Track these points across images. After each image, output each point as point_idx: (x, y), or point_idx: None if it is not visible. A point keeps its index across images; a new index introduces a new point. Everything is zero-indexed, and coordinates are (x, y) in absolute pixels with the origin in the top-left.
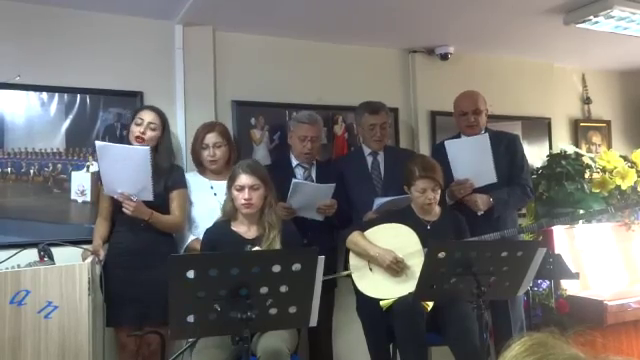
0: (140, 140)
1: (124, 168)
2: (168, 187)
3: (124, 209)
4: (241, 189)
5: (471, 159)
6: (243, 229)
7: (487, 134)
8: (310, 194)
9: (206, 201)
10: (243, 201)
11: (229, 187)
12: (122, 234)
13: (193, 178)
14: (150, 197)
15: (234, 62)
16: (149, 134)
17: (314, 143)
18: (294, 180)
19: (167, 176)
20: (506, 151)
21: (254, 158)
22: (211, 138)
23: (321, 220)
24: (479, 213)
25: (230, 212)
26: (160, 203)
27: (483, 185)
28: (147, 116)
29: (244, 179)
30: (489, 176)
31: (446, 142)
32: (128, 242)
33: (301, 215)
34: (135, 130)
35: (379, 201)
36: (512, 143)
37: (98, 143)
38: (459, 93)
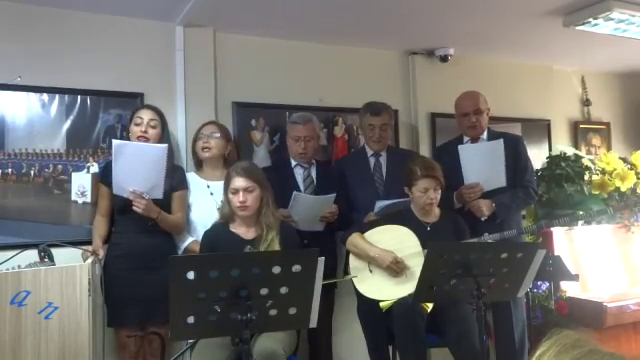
0: (143, 139)
1: (139, 166)
2: (173, 187)
3: (135, 207)
4: (236, 192)
5: (484, 164)
6: (242, 230)
7: (501, 140)
8: (311, 206)
9: (203, 201)
10: (238, 204)
11: (225, 190)
12: (123, 235)
13: (190, 178)
14: (160, 195)
15: (235, 63)
16: (151, 132)
17: (308, 142)
18: (295, 192)
19: (171, 176)
20: (509, 153)
21: (252, 160)
22: (208, 129)
23: (321, 230)
24: (482, 219)
25: (227, 214)
26: (164, 202)
27: (491, 189)
28: (146, 114)
29: (238, 182)
30: (499, 180)
31: (460, 146)
32: (130, 243)
33: (301, 228)
34: (136, 130)
35: (381, 204)
36: (515, 145)
37: (115, 141)
38: (459, 95)
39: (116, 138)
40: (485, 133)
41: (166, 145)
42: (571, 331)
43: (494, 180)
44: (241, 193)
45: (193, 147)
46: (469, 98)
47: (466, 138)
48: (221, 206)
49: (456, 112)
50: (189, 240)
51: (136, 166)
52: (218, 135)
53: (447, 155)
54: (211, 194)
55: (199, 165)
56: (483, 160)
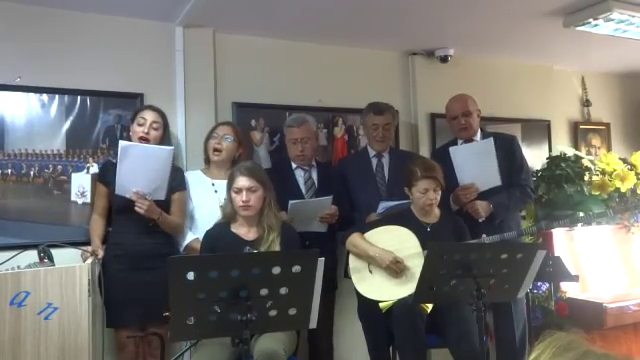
0: (144, 140)
1: (144, 167)
2: (172, 188)
3: (137, 208)
4: (239, 191)
5: (476, 164)
6: (243, 231)
7: (491, 138)
8: (309, 209)
9: (207, 199)
10: (241, 203)
11: (228, 189)
12: (123, 235)
13: (195, 176)
14: (163, 196)
15: (234, 64)
16: (153, 134)
17: (305, 144)
18: (290, 202)
19: (172, 177)
20: (504, 153)
21: (254, 160)
22: (222, 130)
23: (324, 231)
24: (480, 220)
25: (230, 214)
26: (164, 203)
27: (487, 189)
28: (149, 115)
29: (242, 181)
30: (493, 180)
31: (451, 148)
32: (130, 243)
33: (304, 229)
34: (138, 130)
35: (384, 204)
36: (510, 145)
37: (122, 143)
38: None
39: (116, 138)
40: (478, 134)
41: (172, 147)
42: (563, 333)
43: (489, 179)
44: (244, 192)
45: (205, 144)
46: (457, 101)
47: (460, 141)
48: (224, 205)
49: (447, 116)
50: (191, 238)
51: (141, 167)
52: (231, 139)
53: (443, 158)
54: (215, 192)
55: (207, 162)
56: (475, 160)
